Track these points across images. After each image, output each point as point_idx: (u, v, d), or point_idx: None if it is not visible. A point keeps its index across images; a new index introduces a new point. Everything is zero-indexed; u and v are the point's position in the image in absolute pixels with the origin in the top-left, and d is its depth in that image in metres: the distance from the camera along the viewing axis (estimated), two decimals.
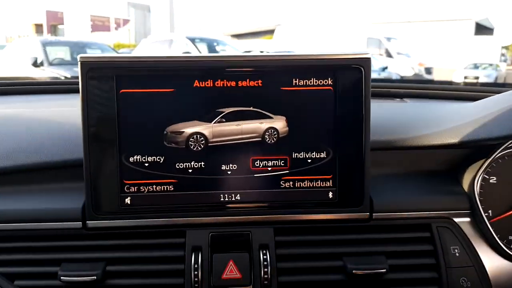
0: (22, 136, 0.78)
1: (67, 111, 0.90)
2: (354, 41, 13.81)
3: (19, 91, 1.20)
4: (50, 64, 6.25)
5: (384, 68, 10.32)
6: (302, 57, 0.68)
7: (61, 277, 0.65)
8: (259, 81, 0.67)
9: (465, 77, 14.51)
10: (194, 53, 7.98)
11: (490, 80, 14.32)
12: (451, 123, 0.81)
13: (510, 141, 0.76)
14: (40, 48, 6.38)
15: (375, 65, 10.27)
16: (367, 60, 0.68)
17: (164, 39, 9.03)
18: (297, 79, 0.68)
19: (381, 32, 13.95)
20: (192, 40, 8.27)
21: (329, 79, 0.68)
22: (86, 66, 0.65)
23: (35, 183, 0.75)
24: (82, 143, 0.66)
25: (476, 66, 15.17)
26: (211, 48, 8.48)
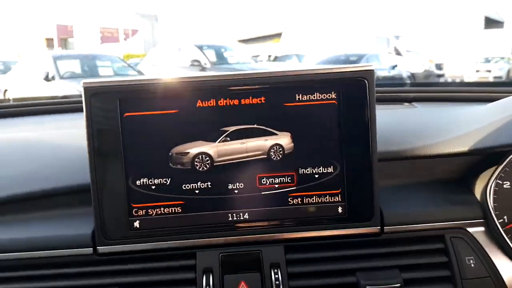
0: (29, 162, 0.78)
1: (74, 133, 0.90)
2: (363, 41, 13.73)
3: (20, 112, 1.21)
4: (61, 77, 6.35)
5: (394, 66, 10.23)
6: (304, 72, 0.67)
7: None
8: (262, 98, 0.67)
9: (477, 71, 14.31)
10: (202, 60, 8.02)
11: (503, 73, 14.09)
12: (460, 130, 0.79)
13: None
14: (52, 63, 6.48)
15: (385, 63, 10.20)
16: (371, 72, 0.67)
17: (173, 47, 9.11)
18: (301, 94, 0.67)
19: (389, 30, 13.85)
20: (200, 48, 8.32)
21: (333, 92, 0.67)
22: (89, 91, 0.65)
23: (44, 209, 0.75)
24: (88, 168, 0.66)
25: (487, 60, 14.95)
26: (219, 55, 8.52)
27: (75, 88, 5.76)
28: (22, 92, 6.65)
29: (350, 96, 0.67)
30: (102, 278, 0.68)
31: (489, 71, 14.18)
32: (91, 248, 0.68)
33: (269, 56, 14.24)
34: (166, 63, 8.53)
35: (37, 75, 6.36)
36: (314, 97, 0.67)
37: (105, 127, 0.66)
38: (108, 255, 0.69)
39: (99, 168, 0.66)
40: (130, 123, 0.66)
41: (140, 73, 7.17)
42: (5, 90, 7.26)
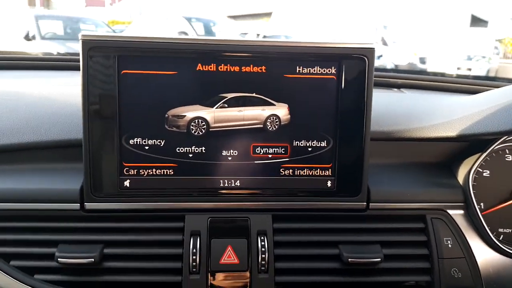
0: (20, 113, 0.77)
1: (67, 89, 0.88)
2: (351, 28, 13.73)
3: (15, 65, 1.18)
4: (42, 38, 6.13)
5: (379, 56, 10.31)
6: (307, 45, 0.67)
7: (58, 259, 0.65)
8: (263, 67, 0.67)
9: (458, 68, 14.58)
10: (190, 32, 7.86)
11: (482, 72, 14.41)
12: (449, 116, 0.82)
13: (506, 136, 0.77)
14: (33, 22, 6.24)
15: None
16: (371, 50, 0.68)
17: (160, 17, 8.88)
18: (301, 67, 0.68)
19: (377, 19, 13.88)
20: (188, 20, 8.15)
21: (333, 68, 0.68)
22: (88, 44, 0.64)
23: (33, 162, 0.74)
24: (81, 123, 0.65)
25: (469, 58, 15.22)
26: (207, 28, 8.36)
27: (55, 49, 5.58)
28: None
29: (350, 72, 0.68)
30: (87, 234, 0.69)
31: (470, 69, 14.47)
32: (79, 204, 0.68)
33: (258, 34, 14.10)
34: (152, 32, 8.33)
35: (17, 34, 6.11)
36: (314, 70, 0.68)
37: (101, 82, 0.65)
38: (96, 212, 0.69)
39: (93, 124, 0.65)
40: (127, 81, 0.65)
41: None
42: None
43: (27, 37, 6.03)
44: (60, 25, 6.73)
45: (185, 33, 7.82)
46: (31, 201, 0.68)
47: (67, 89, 0.88)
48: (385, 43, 12.62)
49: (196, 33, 7.90)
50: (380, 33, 12.98)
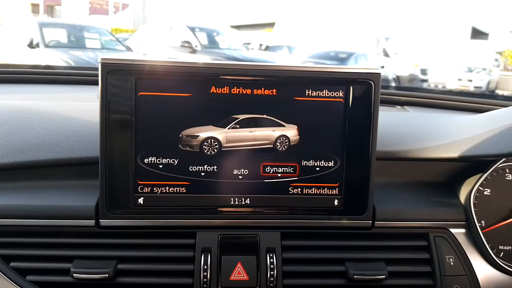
0: (36, 130, 0.79)
1: (82, 105, 0.91)
2: (353, 39, 13.82)
3: (27, 79, 1.21)
4: (46, 46, 6.17)
5: (381, 67, 10.35)
6: (316, 69, 0.70)
7: (73, 274, 0.67)
8: (274, 90, 0.70)
9: (459, 79, 14.66)
10: (193, 42, 7.92)
11: (483, 84, 14.48)
12: (452, 137, 0.84)
13: (506, 158, 0.80)
14: (37, 29, 6.28)
15: (372, 63, 10.32)
16: (378, 75, 0.71)
17: (164, 26, 8.95)
18: (310, 90, 0.70)
19: (379, 31, 13.99)
20: (192, 29, 8.21)
21: (341, 91, 0.71)
22: (106, 67, 0.66)
23: (49, 179, 0.77)
24: (98, 142, 0.68)
25: (470, 70, 15.31)
26: (211, 38, 8.43)
27: (59, 58, 5.62)
28: (3, 58, 6.44)
29: (357, 96, 0.71)
30: (102, 250, 0.71)
31: (471, 80, 14.54)
32: (94, 220, 0.70)
33: (261, 45, 14.20)
34: (156, 41, 8.39)
35: (21, 41, 6.15)
36: (323, 93, 0.71)
37: (118, 104, 0.67)
38: (110, 228, 0.71)
39: (110, 143, 0.68)
40: (143, 102, 0.68)
41: (128, 49, 7.04)
42: None
43: (30, 45, 6.06)
44: (64, 33, 6.77)
45: (189, 43, 7.88)
46: (48, 218, 0.70)
47: (82, 106, 0.91)
48: (386, 55, 12.69)
49: (199, 42, 7.96)
50: (382, 45, 13.06)
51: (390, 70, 10.69)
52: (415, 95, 1.35)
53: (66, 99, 1.01)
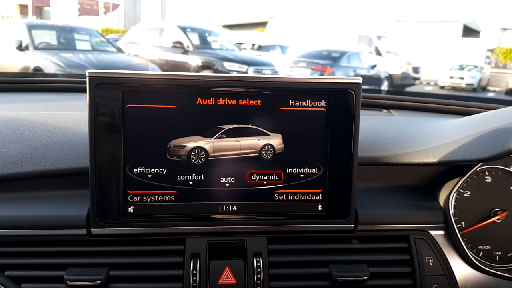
0: (27, 141, 0.80)
1: (71, 115, 0.92)
2: (345, 38, 13.88)
3: (16, 88, 1.21)
4: (36, 48, 6.10)
5: (373, 66, 10.44)
6: (299, 80, 0.73)
7: (67, 281, 0.68)
8: (259, 101, 0.72)
9: (451, 77, 14.80)
10: (185, 42, 7.91)
11: (474, 81, 14.63)
12: (432, 142, 0.87)
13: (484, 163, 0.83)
14: (26, 31, 6.20)
15: (365, 62, 10.38)
16: (358, 85, 0.73)
17: (155, 27, 8.93)
18: (294, 100, 0.73)
19: (371, 30, 14.06)
20: (184, 30, 8.19)
21: (323, 101, 0.73)
22: (94, 81, 0.68)
23: (41, 189, 0.78)
24: (87, 152, 0.69)
25: (461, 67, 15.45)
26: (202, 38, 8.43)
27: (50, 60, 5.57)
28: None
29: (338, 105, 0.73)
30: (94, 257, 0.73)
31: (462, 78, 14.68)
32: (85, 229, 0.72)
33: (253, 44, 14.21)
34: (147, 42, 8.36)
35: (9, 44, 6.08)
36: (306, 103, 0.73)
37: (107, 116, 0.69)
38: (102, 237, 0.73)
39: (99, 154, 0.69)
40: (131, 114, 0.69)
41: (119, 50, 7.00)
42: None
43: (20, 47, 6.00)
44: (53, 35, 6.71)
45: (181, 43, 7.87)
46: (41, 227, 0.72)
47: (72, 116, 0.92)
48: (379, 53, 12.78)
49: (191, 43, 7.95)
50: (374, 43, 13.14)
51: (383, 68, 10.77)
52: (401, 98, 1.38)
53: (55, 108, 1.03)
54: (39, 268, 0.72)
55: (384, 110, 1.33)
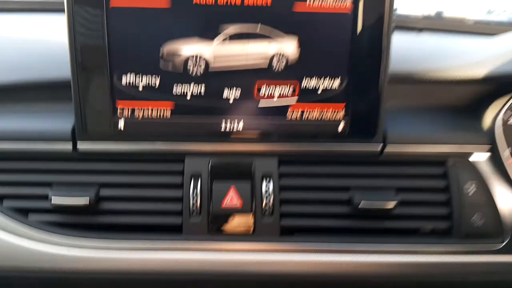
0: (9, 54, 0.72)
1: (54, 30, 0.82)
2: None
3: None
4: None
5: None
6: None
7: (52, 199, 0.62)
8: (268, 1, 0.59)
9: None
10: None
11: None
12: (474, 57, 0.74)
13: None
14: None
15: None
16: None
17: None
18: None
19: None
20: None
21: (348, 1, 0.60)
22: None
23: (24, 102, 0.70)
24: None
25: (490, 12, 14.56)
26: None
27: None
28: None
29: (368, 6, 0.60)
30: (82, 175, 0.66)
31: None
32: (71, 143, 0.65)
33: None
34: None
35: None
36: (326, 4, 0.60)
37: (88, 18, 0.59)
38: (90, 154, 0.65)
39: (81, 62, 0.60)
40: (116, 16, 0.59)
41: None
42: None
43: None
44: None
45: None
46: (22, 140, 0.65)
47: (58, 30, 0.82)
48: None
49: None
50: None
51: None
52: (433, 20, 1.22)
53: (42, 26, 0.92)
54: (23, 185, 0.65)
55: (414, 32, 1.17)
